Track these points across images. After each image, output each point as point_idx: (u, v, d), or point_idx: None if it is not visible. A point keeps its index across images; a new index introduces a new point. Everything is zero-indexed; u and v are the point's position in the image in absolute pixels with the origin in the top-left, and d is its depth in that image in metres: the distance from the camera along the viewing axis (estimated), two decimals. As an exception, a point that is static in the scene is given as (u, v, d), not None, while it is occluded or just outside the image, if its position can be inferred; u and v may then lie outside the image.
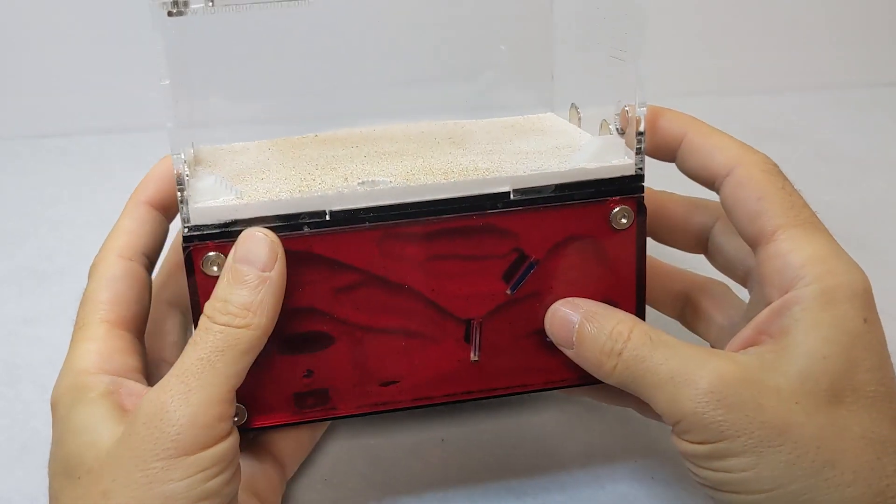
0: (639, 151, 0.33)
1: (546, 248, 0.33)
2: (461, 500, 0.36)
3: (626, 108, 0.33)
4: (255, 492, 0.34)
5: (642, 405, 0.31)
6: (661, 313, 0.39)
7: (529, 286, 0.33)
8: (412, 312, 0.33)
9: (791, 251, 0.30)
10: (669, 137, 0.34)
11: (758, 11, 0.77)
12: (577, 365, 0.33)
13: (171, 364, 0.30)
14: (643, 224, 0.33)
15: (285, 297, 0.31)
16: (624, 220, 0.33)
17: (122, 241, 0.33)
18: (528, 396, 0.39)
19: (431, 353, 0.33)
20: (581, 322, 0.32)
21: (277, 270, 0.30)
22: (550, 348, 0.34)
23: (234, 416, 0.31)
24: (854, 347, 0.28)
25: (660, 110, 0.34)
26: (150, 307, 0.34)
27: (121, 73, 0.68)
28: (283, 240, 0.31)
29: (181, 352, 0.30)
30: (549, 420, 0.41)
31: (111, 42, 0.69)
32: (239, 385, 0.30)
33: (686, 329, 0.38)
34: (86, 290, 0.33)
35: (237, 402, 0.33)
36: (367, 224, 0.32)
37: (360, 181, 0.33)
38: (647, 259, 0.34)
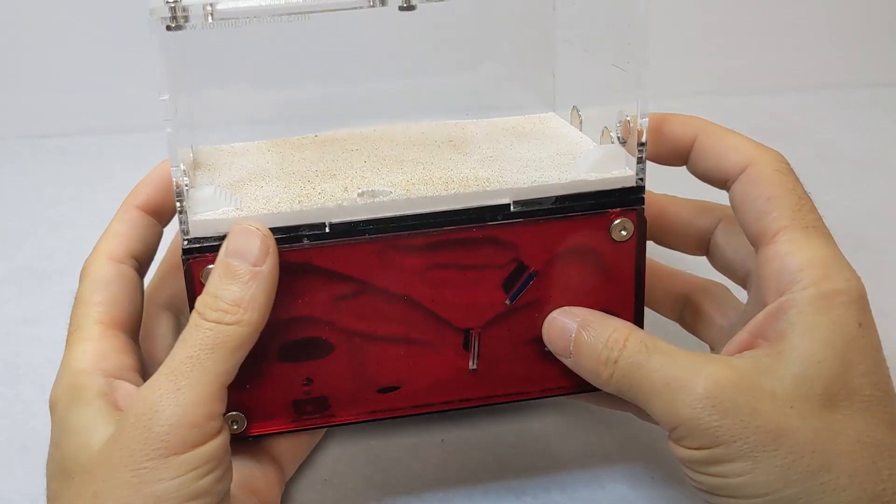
0: (640, 161, 0.33)
1: (546, 259, 0.33)
2: (461, 500, 0.36)
3: (628, 119, 0.33)
4: (254, 491, 0.34)
5: (641, 411, 0.31)
6: (661, 315, 0.39)
7: (528, 295, 0.33)
8: (411, 322, 0.33)
9: (790, 253, 0.30)
10: (680, 141, 0.34)
11: (758, 11, 0.77)
12: (575, 372, 0.33)
13: None
14: (643, 235, 0.33)
15: (285, 306, 0.32)
16: (624, 232, 0.33)
17: (113, 244, 0.33)
18: (528, 398, 0.39)
19: (430, 361, 0.33)
20: (577, 331, 0.32)
21: (269, 265, 0.30)
22: (549, 356, 0.34)
23: (228, 415, 0.31)
24: (849, 351, 0.29)
25: (664, 116, 0.34)
26: (142, 309, 0.34)
27: (121, 73, 0.68)
28: (283, 252, 0.31)
29: None
30: (548, 420, 0.41)
31: (111, 42, 0.69)
32: (230, 382, 0.30)
33: (686, 331, 0.38)
34: (78, 292, 0.33)
35: (236, 409, 0.33)
36: (367, 236, 0.32)
37: (359, 191, 0.33)
38: (647, 261, 0.34)
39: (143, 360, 0.34)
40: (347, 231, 0.32)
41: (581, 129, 0.39)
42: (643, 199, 0.33)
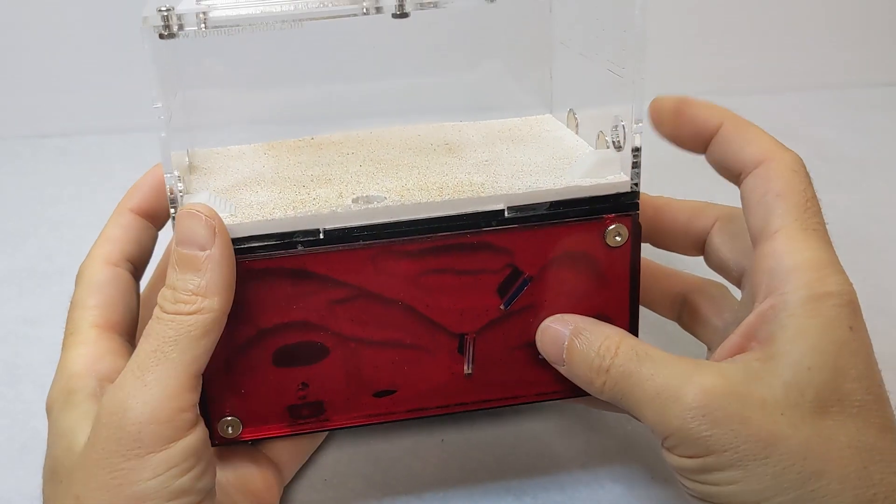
0: (634, 167, 0.33)
1: (540, 265, 0.33)
2: (461, 500, 0.37)
3: (623, 125, 0.33)
4: (252, 493, 0.34)
5: None
6: (659, 315, 0.39)
7: (523, 300, 0.33)
8: (406, 326, 0.33)
9: (786, 253, 0.30)
10: (704, 127, 0.33)
11: (758, 11, 0.77)
12: None
13: None
14: (638, 241, 0.33)
15: (280, 311, 0.32)
16: (618, 238, 0.33)
17: (108, 248, 0.33)
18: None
19: (425, 365, 0.33)
20: (570, 339, 0.32)
21: (219, 246, 0.29)
22: (544, 361, 0.34)
23: (224, 419, 0.31)
24: (840, 356, 0.28)
25: (686, 99, 0.34)
26: (138, 312, 0.34)
27: (121, 73, 0.68)
28: (278, 257, 0.31)
29: None
30: (548, 420, 0.41)
31: (111, 42, 0.69)
32: (201, 370, 0.29)
33: (684, 330, 0.38)
34: (73, 296, 0.33)
35: (232, 414, 0.33)
36: (362, 242, 0.32)
37: (354, 197, 0.33)
38: (644, 261, 0.34)
39: None
40: (342, 237, 0.32)
41: (577, 132, 0.39)
42: (638, 204, 0.33)
